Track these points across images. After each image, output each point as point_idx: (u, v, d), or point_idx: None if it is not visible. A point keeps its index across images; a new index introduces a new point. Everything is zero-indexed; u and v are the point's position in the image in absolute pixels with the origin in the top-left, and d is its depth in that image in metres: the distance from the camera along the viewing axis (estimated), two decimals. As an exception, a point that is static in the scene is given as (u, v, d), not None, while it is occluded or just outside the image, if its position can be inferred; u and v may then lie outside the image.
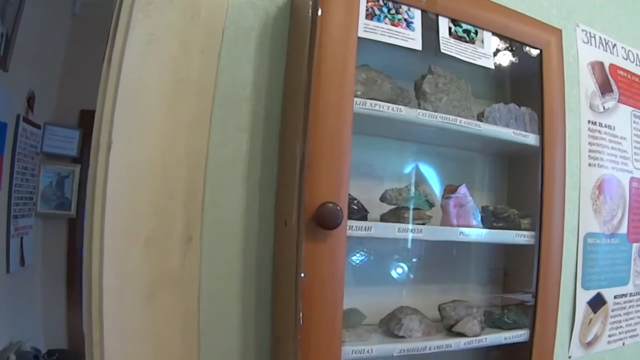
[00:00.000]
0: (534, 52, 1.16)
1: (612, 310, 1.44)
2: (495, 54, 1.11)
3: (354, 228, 0.90)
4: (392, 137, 1.14)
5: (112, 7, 1.03)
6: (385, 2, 0.96)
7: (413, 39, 0.98)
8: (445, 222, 1.07)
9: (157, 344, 0.93)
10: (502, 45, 1.15)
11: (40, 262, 2.84)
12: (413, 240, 1.07)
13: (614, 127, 1.48)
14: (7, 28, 2.30)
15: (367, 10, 0.94)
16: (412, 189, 1.04)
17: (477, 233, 1.09)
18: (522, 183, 1.27)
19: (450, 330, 1.05)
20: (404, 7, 0.98)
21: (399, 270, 1.15)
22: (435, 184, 1.18)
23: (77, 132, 3.00)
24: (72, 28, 3.02)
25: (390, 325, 1.00)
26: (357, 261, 1.10)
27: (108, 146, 0.92)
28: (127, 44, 0.94)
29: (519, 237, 1.12)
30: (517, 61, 1.19)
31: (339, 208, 0.84)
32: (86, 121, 3.01)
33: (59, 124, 2.92)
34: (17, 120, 2.46)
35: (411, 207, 1.03)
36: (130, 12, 0.96)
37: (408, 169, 1.18)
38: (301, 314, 0.83)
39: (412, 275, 1.17)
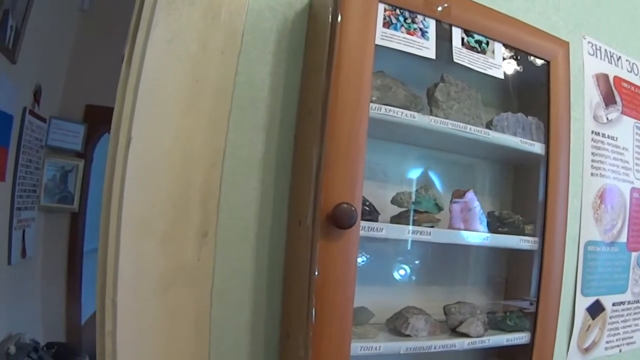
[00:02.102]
0: (542, 63, 1.19)
1: (610, 317, 1.47)
2: (504, 63, 1.14)
3: (366, 229, 0.92)
4: (402, 141, 1.16)
5: (132, 5, 1.05)
6: (402, 11, 0.98)
7: (427, 48, 1.00)
8: (453, 225, 1.10)
9: (169, 335, 0.95)
10: (511, 55, 1.17)
11: (41, 255, 2.85)
12: (421, 242, 1.09)
13: (616, 138, 1.50)
14: (16, 21, 2.31)
15: (384, 18, 0.96)
16: (422, 192, 1.06)
17: (482, 237, 1.11)
18: (526, 190, 1.29)
19: (455, 331, 1.07)
20: (420, 17, 1.00)
21: (406, 272, 1.18)
22: (443, 189, 1.20)
23: (82, 127, 3.00)
24: (80, 23, 3.03)
25: (397, 324, 1.03)
26: (366, 262, 1.13)
27: (127, 141, 0.94)
28: (149, 41, 0.95)
29: (523, 242, 1.14)
30: (525, 71, 1.21)
31: (353, 208, 0.86)
32: (91, 116, 3.02)
33: (64, 118, 2.92)
34: (23, 113, 2.47)
35: (417, 210, 1.05)
36: (153, 10, 0.97)
37: (417, 173, 1.21)
38: (313, 311, 0.85)
39: (418, 277, 1.19)
